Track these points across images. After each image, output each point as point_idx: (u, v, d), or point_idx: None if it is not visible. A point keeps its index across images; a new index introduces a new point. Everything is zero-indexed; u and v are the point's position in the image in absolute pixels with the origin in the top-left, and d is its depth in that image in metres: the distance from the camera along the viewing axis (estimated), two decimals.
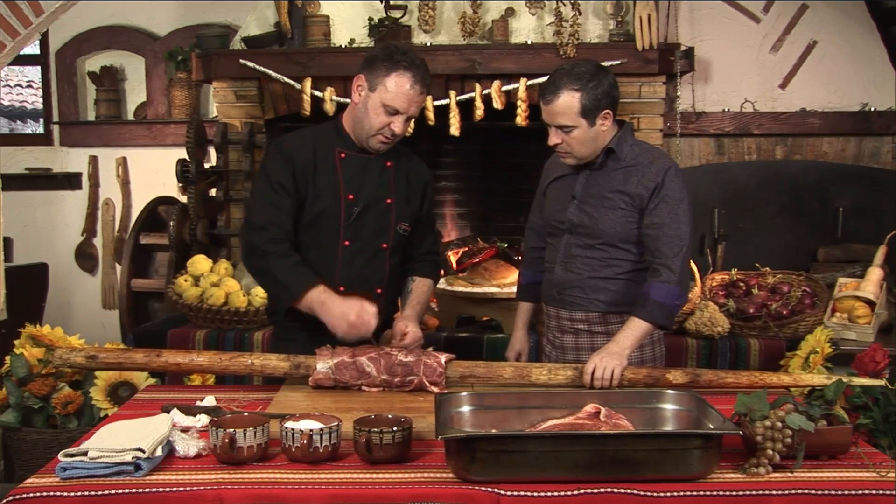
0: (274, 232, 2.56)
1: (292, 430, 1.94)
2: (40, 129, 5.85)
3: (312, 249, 2.63)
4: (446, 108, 4.42)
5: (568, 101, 2.53)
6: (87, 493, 1.80)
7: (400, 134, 2.60)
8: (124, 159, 5.61)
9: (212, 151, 4.87)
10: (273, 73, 4.52)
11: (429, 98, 4.40)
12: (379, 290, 2.70)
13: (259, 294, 3.92)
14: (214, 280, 4.05)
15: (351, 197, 2.63)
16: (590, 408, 2.05)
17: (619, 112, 2.66)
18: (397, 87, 2.52)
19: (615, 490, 1.80)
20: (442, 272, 4.84)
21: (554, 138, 2.61)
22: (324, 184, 2.63)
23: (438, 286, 4.19)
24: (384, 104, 2.54)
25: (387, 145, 2.63)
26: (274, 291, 2.63)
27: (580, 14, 4.40)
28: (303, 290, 2.49)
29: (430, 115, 4.41)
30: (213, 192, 4.83)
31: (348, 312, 2.45)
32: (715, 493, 1.81)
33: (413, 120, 2.66)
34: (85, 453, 1.88)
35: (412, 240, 2.80)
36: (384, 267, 2.71)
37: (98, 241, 5.69)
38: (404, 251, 2.80)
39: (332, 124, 2.73)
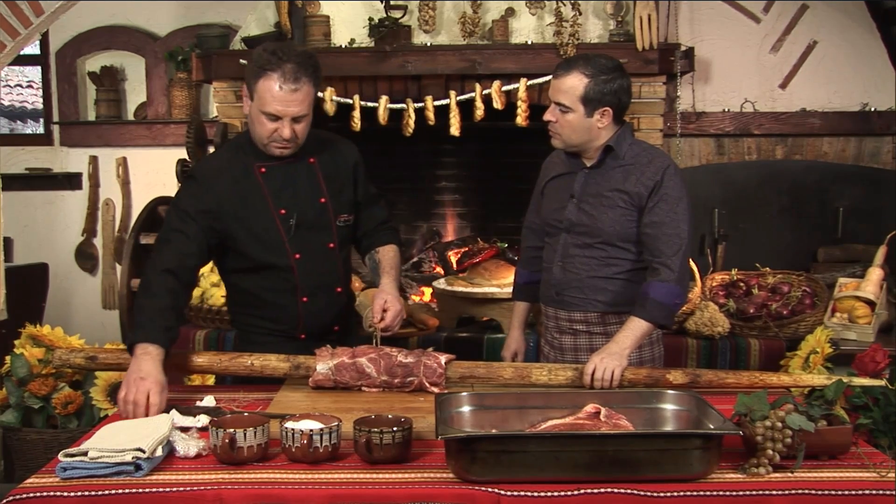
0: (163, 262, 2.43)
1: (292, 430, 1.94)
2: (40, 129, 5.85)
3: (267, 271, 2.59)
4: (446, 108, 4.41)
5: (573, 82, 2.55)
6: (87, 493, 1.80)
7: (290, 137, 2.47)
8: (124, 159, 5.60)
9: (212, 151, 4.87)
10: None
11: (429, 98, 4.40)
12: (339, 290, 2.68)
13: None
14: (214, 280, 4.05)
15: (283, 212, 2.56)
16: (590, 408, 2.05)
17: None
18: (266, 91, 2.42)
19: (615, 490, 1.80)
20: (439, 268, 4.87)
21: (549, 115, 2.63)
22: (253, 205, 2.54)
23: (438, 286, 4.19)
24: (262, 112, 2.44)
25: (287, 149, 2.51)
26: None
27: (580, 14, 4.40)
28: (131, 340, 2.34)
29: (431, 115, 4.41)
30: None
31: (130, 384, 2.21)
32: (715, 493, 1.81)
33: (308, 117, 2.49)
34: (85, 453, 1.88)
35: (360, 220, 2.75)
36: (337, 265, 2.68)
37: (98, 241, 5.68)
38: (354, 237, 2.76)
39: (245, 137, 2.62)
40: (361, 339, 2.67)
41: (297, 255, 2.59)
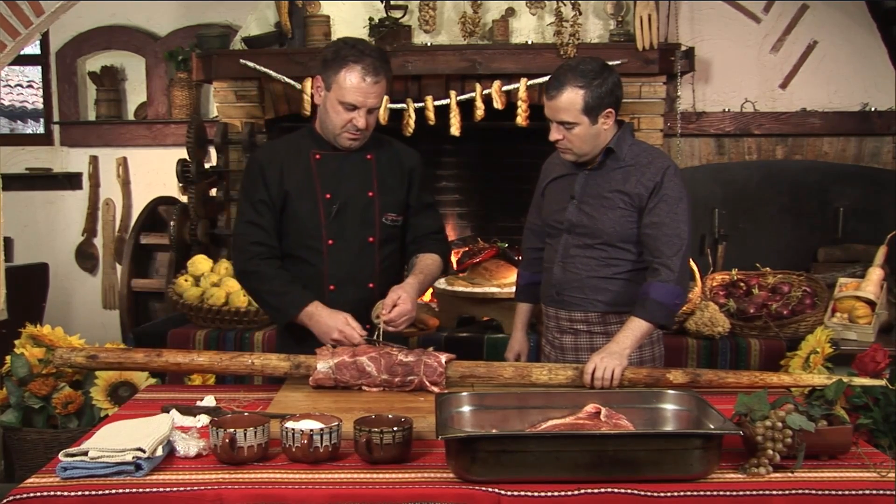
0: (257, 251, 2.63)
1: (293, 430, 1.94)
2: (41, 129, 5.85)
3: (299, 251, 2.67)
4: (447, 108, 4.41)
5: (571, 98, 2.54)
6: (87, 492, 1.80)
7: (364, 128, 2.59)
8: (125, 159, 5.61)
9: (212, 151, 4.87)
10: (273, 73, 4.52)
11: (429, 98, 4.40)
12: (371, 285, 2.69)
13: None
14: (215, 280, 4.05)
15: (328, 196, 2.64)
16: (590, 408, 2.05)
17: (620, 112, 2.66)
18: (348, 82, 2.53)
19: (615, 490, 1.80)
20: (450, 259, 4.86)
21: (555, 134, 2.61)
22: (300, 187, 2.65)
23: (438, 286, 4.19)
24: (340, 101, 2.55)
25: (357, 140, 2.63)
26: (268, 312, 2.81)
27: (580, 14, 4.40)
28: (293, 313, 2.59)
29: (431, 115, 4.41)
30: (213, 192, 4.83)
31: (332, 329, 2.53)
32: (715, 493, 1.81)
33: (379, 111, 2.65)
34: (85, 453, 1.88)
35: (410, 225, 2.79)
36: (373, 261, 2.70)
37: (98, 241, 5.69)
38: (403, 239, 2.79)
39: (307, 128, 2.76)
40: (388, 336, 2.60)
41: (331, 241, 2.65)
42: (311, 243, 2.66)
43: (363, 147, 2.67)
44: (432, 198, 2.91)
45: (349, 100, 2.54)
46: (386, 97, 4.40)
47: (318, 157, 2.68)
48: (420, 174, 2.80)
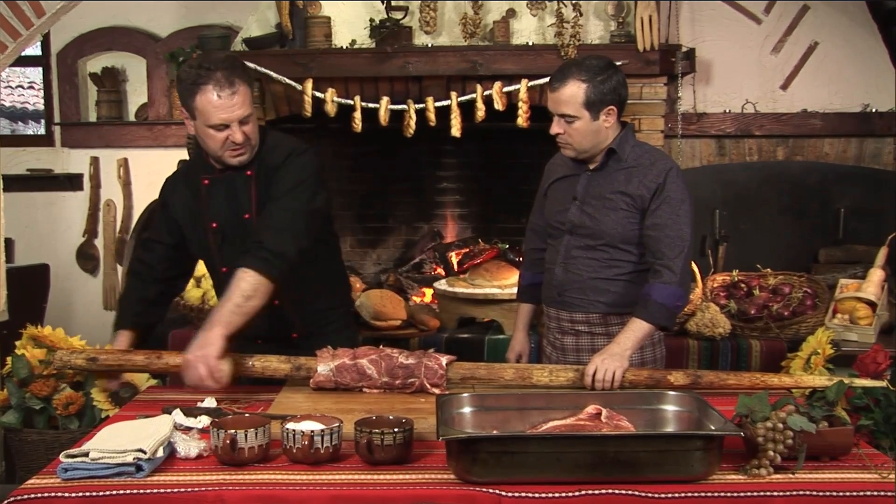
0: (136, 264, 2.79)
1: (293, 431, 1.94)
2: (41, 130, 5.85)
3: (210, 275, 2.75)
4: (447, 109, 4.41)
5: (573, 91, 2.54)
6: (88, 493, 1.81)
7: (243, 141, 2.46)
8: (125, 160, 5.60)
9: None
10: (274, 75, 4.52)
11: (430, 99, 4.40)
12: (276, 303, 2.53)
13: None
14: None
15: (214, 225, 2.59)
16: (591, 409, 2.05)
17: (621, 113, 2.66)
18: (207, 104, 2.41)
19: (616, 491, 1.80)
20: (440, 269, 4.85)
21: (556, 128, 2.61)
22: (191, 216, 2.63)
23: (439, 287, 4.19)
24: (208, 125, 2.44)
25: (244, 154, 2.50)
26: None
27: (581, 15, 4.40)
28: (114, 328, 2.73)
29: (432, 116, 4.41)
30: None
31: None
32: (716, 494, 1.81)
33: (253, 116, 2.48)
34: (86, 454, 1.89)
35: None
36: None
37: (99, 242, 5.68)
38: None
39: (197, 154, 2.68)
40: (335, 343, 2.54)
41: (224, 269, 2.56)
42: (212, 270, 2.71)
43: (248, 162, 2.53)
44: (286, 189, 2.50)
45: (214, 121, 2.42)
46: (386, 98, 4.41)
47: (205, 182, 2.60)
48: (286, 172, 2.51)
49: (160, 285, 2.77)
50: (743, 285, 3.96)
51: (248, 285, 2.35)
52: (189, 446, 2.00)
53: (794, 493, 1.82)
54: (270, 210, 2.48)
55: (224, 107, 2.41)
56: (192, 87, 2.42)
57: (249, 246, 2.43)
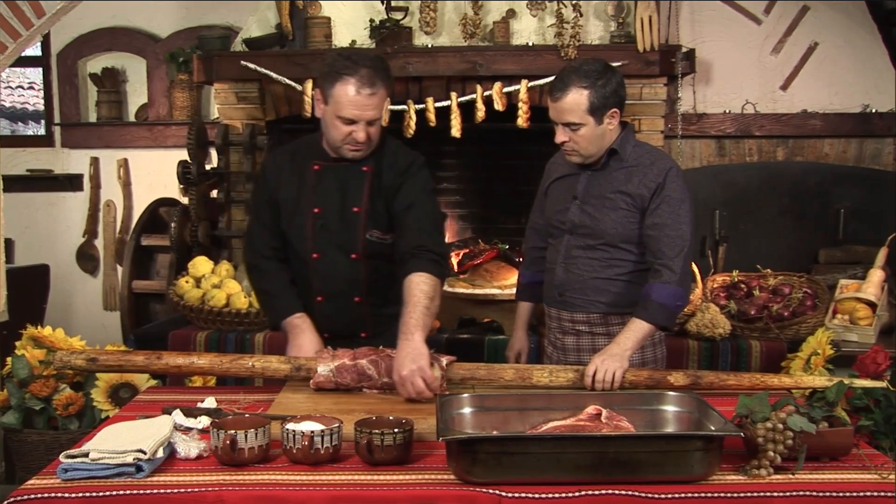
0: (262, 250, 2.71)
1: (293, 431, 1.94)
2: (42, 131, 5.85)
3: (294, 261, 2.70)
4: (447, 109, 4.41)
5: (576, 99, 2.54)
6: (88, 494, 1.81)
7: (365, 141, 2.53)
8: (125, 161, 5.61)
9: (213, 153, 4.87)
10: (274, 75, 4.52)
11: (430, 99, 4.40)
12: (358, 299, 2.65)
13: None
14: (216, 282, 4.05)
15: (317, 210, 2.62)
16: (591, 409, 2.05)
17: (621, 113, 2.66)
18: (343, 96, 2.47)
19: (616, 492, 1.80)
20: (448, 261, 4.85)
21: (561, 136, 2.61)
22: (295, 198, 2.65)
23: None
24: (338, 116, 2.50)
25: (360, 152, 2.57)
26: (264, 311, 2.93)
27: (581, 16, 4.40)
28: (276, 321, 2.68)
29: (432, 116, 4.41)
30: (214, 193, 4.83)
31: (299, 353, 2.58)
32: (716, 494, 1.81)
33: (381, 121, 2.56)
34: (86, 455, 1.89)
35: (396, 237, 2.61)
36: (358, 277, 2.64)
37: (99, 243, 5.69)
38: (396, 254, 2.61)
39: (314, 137, 2.71)
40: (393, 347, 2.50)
41: (315, 255, 2.63)
42: (302, 254, 2.66)
43: (365, 158, 2.61)
44: (423, 194, 2.63)
45: (346, 114, 2.49)
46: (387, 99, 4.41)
47: (316, 167, 2.65)
48: (413, 177, 2.62)
49: (286, 265, 2.74)
50: (743, 286, 3.96)
51: (429, 287, 2.46)
52: (189, 447, 2.00)
53: (794, 493, 1.82)
54: (417, 215, 2.59)
55: (358, 104, 2.48)
56: (335, 76, 2.49)
57: (412, 251, 2.51)
